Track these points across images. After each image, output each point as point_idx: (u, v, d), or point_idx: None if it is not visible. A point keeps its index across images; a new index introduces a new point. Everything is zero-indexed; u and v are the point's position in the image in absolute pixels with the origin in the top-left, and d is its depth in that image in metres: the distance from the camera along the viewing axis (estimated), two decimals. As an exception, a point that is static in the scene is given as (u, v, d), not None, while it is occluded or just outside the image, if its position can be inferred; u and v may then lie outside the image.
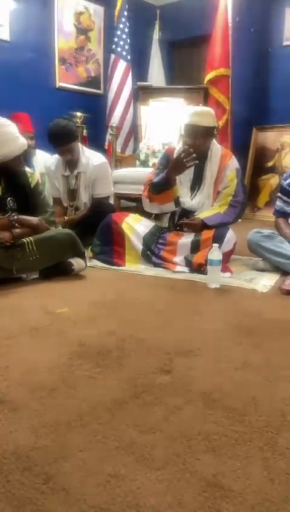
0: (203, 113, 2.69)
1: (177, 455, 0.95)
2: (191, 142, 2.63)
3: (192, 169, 2.69)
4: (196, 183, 2.74)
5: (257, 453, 0.96)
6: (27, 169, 2.46)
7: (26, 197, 2.38)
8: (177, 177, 2.68)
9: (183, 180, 2.73)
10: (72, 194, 3.15)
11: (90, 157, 3.11)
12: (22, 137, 2.31)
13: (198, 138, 2.63)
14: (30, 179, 2.42)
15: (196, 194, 2.74)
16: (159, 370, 1.34)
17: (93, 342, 1.53)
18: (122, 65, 5.04)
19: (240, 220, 2.84)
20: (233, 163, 2.75)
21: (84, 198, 3.14)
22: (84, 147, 3.21)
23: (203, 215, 2.65)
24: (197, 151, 2.60)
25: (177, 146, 2.87)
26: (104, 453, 0.95)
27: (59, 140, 2.94)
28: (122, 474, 0.89)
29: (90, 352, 1.45)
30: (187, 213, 2.74)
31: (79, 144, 3.15)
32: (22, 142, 2.28)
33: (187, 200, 2.74)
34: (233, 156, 2.80)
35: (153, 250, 2.66)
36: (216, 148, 2.77)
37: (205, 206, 2.73)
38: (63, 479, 0.87)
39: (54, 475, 0.88)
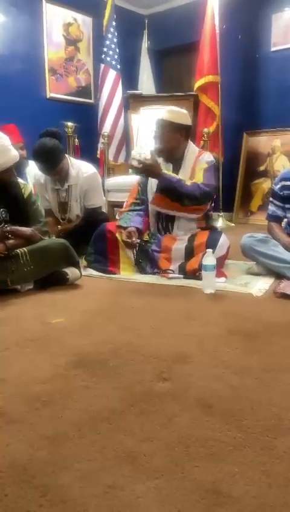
0: (172, 110, 2.70)
1: (175, 463, 0.95)
2: (157, 135, 2.65)
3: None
4: None
5: (255, 458, 0.96)
6: (20, 180, 2.47)
7: (19, 208, 2.38)
8: (149, 181, 2.72)
9: (155, 185, 2.70)
10: (63, 206, 3.11)
11: (79, 168, 3.06)
12: (14, 149, 2.32)
13: (164, 133, 2.63)
14: (23, 190, 2.42)
15: None
16: (156, 377, 1.34)
17: (90, 351, 1.53)
18: (112, 74, 5.08)
19: (208, 207, 2.71)
20: (205, 157, 2.70)
21: (75, 210, 3.11)
22: (71, 158, 3.15)
23: (167, 172, 2.61)
24: (165, 149, 2.62)
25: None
26: (102, 463, 0.95)
27: (47, 167, 2.91)
28: (121, 484, 0.88)
29: (87, 362, 1.45)
30: (171, 217, 2.70)
31: (66, 156, 3.08)
32: (13, 153, 2.29)
33: None
34: (208, 152, 2.78)
35: (149, 256, 2.66)
36: (192, 150, 2.75)
37: None
38: (61, 490, 0.87)
39: (52, 487, 0.88)
